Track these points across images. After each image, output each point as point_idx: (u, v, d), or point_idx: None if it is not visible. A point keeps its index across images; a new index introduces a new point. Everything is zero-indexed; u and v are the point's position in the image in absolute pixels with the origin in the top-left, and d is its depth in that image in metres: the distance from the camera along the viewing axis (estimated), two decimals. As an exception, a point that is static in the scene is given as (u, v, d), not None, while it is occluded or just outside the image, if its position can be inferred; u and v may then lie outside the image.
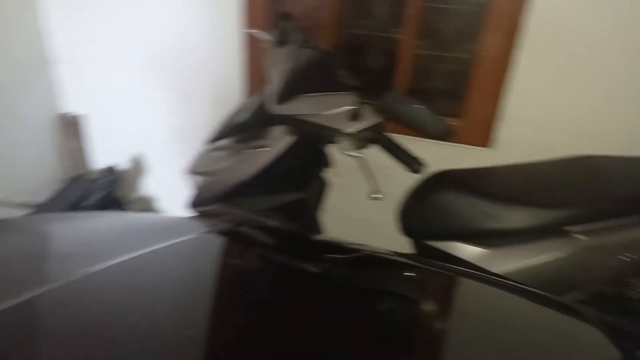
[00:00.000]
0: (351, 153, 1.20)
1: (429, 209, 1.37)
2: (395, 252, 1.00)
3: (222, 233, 0.96)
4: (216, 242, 0.92)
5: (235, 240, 0.94)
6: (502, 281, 1.06)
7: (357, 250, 0.93)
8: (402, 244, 1.56)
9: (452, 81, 1.71)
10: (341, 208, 2.02)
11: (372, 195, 1.24)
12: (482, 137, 1.66)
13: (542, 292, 0.90)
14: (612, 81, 1.51)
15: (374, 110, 1.18)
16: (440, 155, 1.73)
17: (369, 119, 1.17)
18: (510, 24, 1.49)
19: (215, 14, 1.90)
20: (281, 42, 1.31)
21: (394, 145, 1.23)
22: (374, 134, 1.22)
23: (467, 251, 1.34)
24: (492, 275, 1.30)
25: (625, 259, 1.24)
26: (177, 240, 0.83)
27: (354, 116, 1.17)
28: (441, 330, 0.70)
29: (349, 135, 1.18)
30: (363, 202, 1.98)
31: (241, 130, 1.36)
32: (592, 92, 1.53)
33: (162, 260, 0.77)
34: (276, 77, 1.24)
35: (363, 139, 1.23)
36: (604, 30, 1.46)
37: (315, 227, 1.53)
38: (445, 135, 1.13)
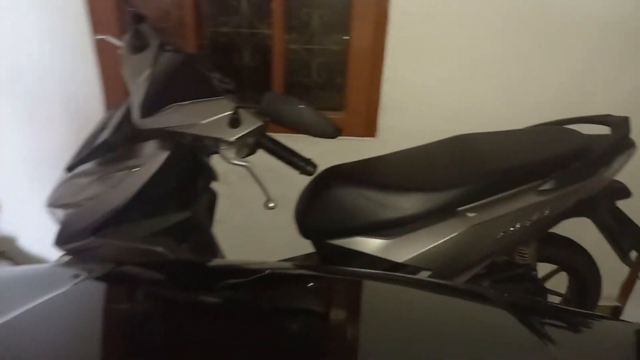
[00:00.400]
0: (236, 162, 1.10)
1: (324, 208, 1.33)
2: (295, 262, 0.94)
3: (101, 278, 0.81)
4: (96, 291, 0.77)
5: (118, 284, 0.81)
6: (407, 277, 1.05)
7: (255, 271, 0.85)
8: (304, 245, 1.51)
9: (330, 74, 1.68)
10: (235, 216, 1.92)
11: (267, 205, 1.16)
12: (367, 128, 1.66)
13: (447, 282, 0.90)
14: (479, 60, 1.58)
15: (255, 114, 1.10)
16: (327, 151, 1.70)
17: (250, 124, 1.08)
18: (378, 12, 1.49)
19: (54, 17, 1.64)
20: (138, 47, 1.16)
21: (282, 148, 1.17)
22: (258, 138, 1.14)
23: (369, 244, 1.32)
24: (395, 272, 1.31)
25: (512, 228, 1.30)
26: (47, 297, 0.68)
27: (234, 122, 1.07)
28: (353, 339, 0.67)
29: (231, 143, 1.09)
30: (257, 207, 1.91)
31: (106, 150, 1.19)
32: (461, 72, 1.60)
33: (33, 325, 0.62)
34: (137, 88, 1.10)
35: (247, 146, 1.14)
36: (467, 11, 1.52)
37: (209, 244, 1.42)
38: (333, 134, 1.08)
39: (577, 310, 0.88)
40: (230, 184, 1.85)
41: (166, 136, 1.13)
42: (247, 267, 0.88)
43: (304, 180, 1.39)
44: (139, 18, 1.24)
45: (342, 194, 1.32)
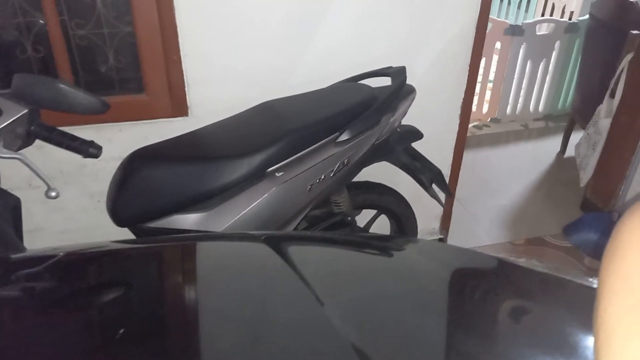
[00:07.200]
0: (5, 155, 1.02)
1: (133, 191, 1.30)
2: (107, 242, 0.92)
3: None
4: None
5: None
6: (172, 237, 1.07)
7: (58, 255, 0.81)
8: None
9: (128, 56, 1.62)
10: (55, 222, 1.79)
11: (49, 194, 1.09)
12: (176, 107, 1.64)
13: (214, 233, 0.95)
14: (275, 22, 1.63)
15: (15, 101, 1.02)
16: (139, 136, 1.66)
17: (13, 112, 1.00)
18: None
19: None
20: None
21: (60, 134, 1.10)
22: (29, 127, 1.06)
23: (187, 220, 1.33)
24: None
25: (318, 180, 1.40)
26: None
27: (-9, 113, 0.99)
28: (187, 299, 0.70)
29: (-7, 136, 1.00)
30: (78, 209, 1.80)
31: None
32: (259, 35, 1.63)
33: None
34: None
35: (19, 136, 1.06)
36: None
37: (20, 252, 1.30)
38: (100, 109, 1.05)
39: (329, 234, 0.99)
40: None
41: None
42: (54, 252, 0.84)
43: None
44: None
45: (150, 174, 1.30)
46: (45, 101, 0.97)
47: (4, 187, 1.26)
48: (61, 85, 0.97)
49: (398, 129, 1.61)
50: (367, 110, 1.44)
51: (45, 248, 0.84)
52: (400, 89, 1.50)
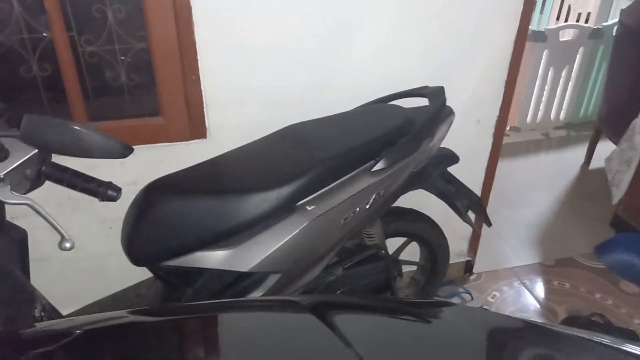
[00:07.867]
0: (13, 201, 0.90)
1: (151, 227, 1.18)
2: (121, 312, 0.82)
3: None
4: None
5: None
6: (204, 304, 0.97)
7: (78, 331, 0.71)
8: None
9: (142, 75, 1.50)
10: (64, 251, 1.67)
11: (63, 245, 0.98)
12: (195, 129, 1.52)
13: (253, 299, 0.85)
14: (299, 42, 1.52)
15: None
16: (154, 160, 1.54)
17: (22, 153, 0.89)
18: (178, 4, 1.34)
19: None
20: None
21: (73, 175, 0.99)
22: (39, 168, 0.95)
23: (210, 259, 1.21)
24: (242, 281, 1.23)
25: (353, 213, 1.28)
26: None
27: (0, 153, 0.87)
28: None
29: (2, 179, 0.88)
30: (89, 237, 1.68)
31: None
32: (281, 59, 1.52)
33: None
34: None
35: (28, 179, 0.94)
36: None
37: (22, 293, 1.19)
38: (122, 153, 0.93)
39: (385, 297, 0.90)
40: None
41: None
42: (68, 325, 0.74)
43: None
44: None
45: (170, 208, 1.18)
46: (58, 146, 0.85)
47: (9, 216, 1.15)
48: (76, 128, 0.85)
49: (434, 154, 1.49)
50: (404, 136, 1.32)
51: (57, 320, 0.73)
52: (440, 112, 1.38)
